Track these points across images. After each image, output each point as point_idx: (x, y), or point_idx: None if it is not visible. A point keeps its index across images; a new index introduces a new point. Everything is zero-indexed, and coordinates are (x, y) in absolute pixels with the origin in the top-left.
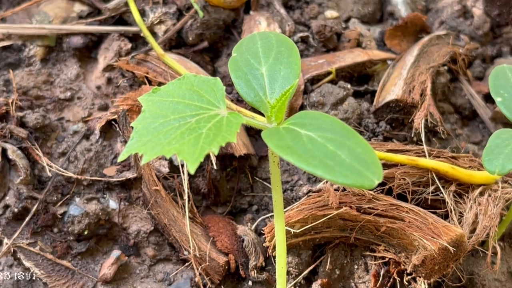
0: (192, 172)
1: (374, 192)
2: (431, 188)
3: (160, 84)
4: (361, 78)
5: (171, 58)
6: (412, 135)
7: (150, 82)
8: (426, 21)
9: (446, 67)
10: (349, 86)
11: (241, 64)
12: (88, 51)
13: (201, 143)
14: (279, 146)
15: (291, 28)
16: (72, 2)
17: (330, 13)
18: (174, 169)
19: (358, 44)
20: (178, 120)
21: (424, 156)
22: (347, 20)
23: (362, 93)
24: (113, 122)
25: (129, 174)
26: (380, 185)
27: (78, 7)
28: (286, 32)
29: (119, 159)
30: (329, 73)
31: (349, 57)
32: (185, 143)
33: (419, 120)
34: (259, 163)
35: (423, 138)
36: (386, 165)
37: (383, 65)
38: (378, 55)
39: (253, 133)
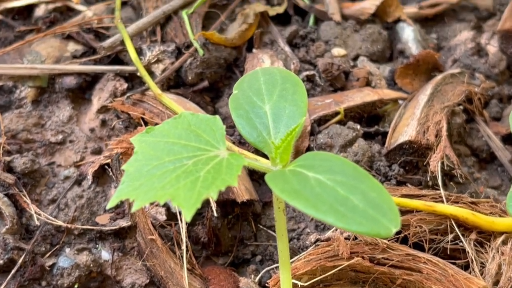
0: (188, 219)
1: (389, 241)
2: (450, 237)
3: (156, 125)
4: (371, 118)
5: (169, 98)
6: (428, 179)
7: (146, 124)
8: (438, 59)
9: (461, 107)
10: (358, 127)
11: (243, 102)
12: (81, 92)
13: (198, 188)
14: (284, 190)
15: (296, 67)
16: (65, 41)
17: (338, 51)
18: (172, 216)
19: (368, 83)
20: (173, 163)
21: (442, 201)
22: (355, 58)
23: (373, 135)
24: (106, 167)
25: (123, 222)
26: (394, 240)
27: (72, 47)
28: (291, 71)
29: (109, 206)
30: (337, 113)
31: (358, 97)
32: (181, 187)
33: (435, 163)
34: (263, 209)
35: (439, 182)
36: (400, 212)
37: (394, 105)
38: (388, 94)
39: (256, 177)
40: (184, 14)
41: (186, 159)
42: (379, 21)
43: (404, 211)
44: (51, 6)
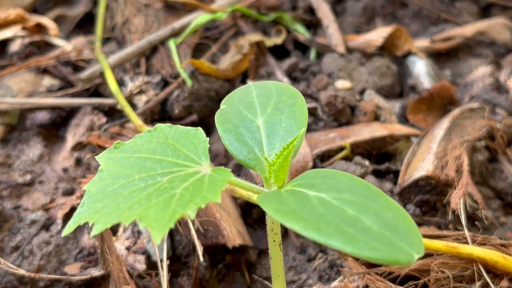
0: (158, 241)
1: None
2: (478, 284)
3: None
4: (381, 157)
5: None
6: (448, 219)
7: None
8: (454, 94)
9: (483, 143)
10: (367, 163)
11: (231, 116)
12: (55, 128)
13: (173, 206)
14: (279, 210)
15: None
16: (41, 76)
17: (342, 84)
18: (152, 265)
19: (376, 118)
20: (144, 180)
21: (466, 243)
22: (362, 92)
23: (383, 173)
24: None
25: (95, 271)
26: (412, 279)
27: (48, 81)
28: None
29: (64, 233)
30: (342, 148)
31: (366, 131)
32: (152, 206)
33: (456, 200)
34: (258, 258)
35: (463, 221)
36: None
37: (406, 142)
38: (400, 130)
39: (250, 221)
40: (171, 43)
41: (160, 175)
42: (387, 54)
43: (422, 256)
44: (27, 40)
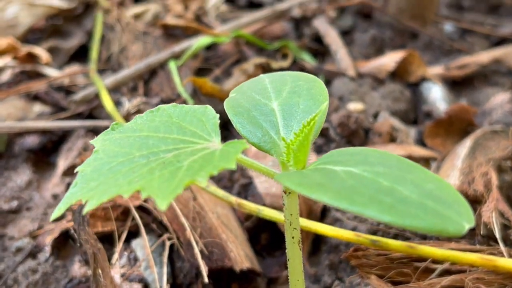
0: (163, 208)
1: None
2: None
3: None
4: None
5: None
6: (481, 232)
7: None
8: (474, 116)
9: (509, 164)
10: None
11: (242, 101)
12: (45, 154)
13: (180, 176)
14: (302, 184)
15: None
16: (31, 102)
17: (354, 106)
18: None
19: (392, 139)
20: (146, 157)
21: (503, 257)
22: (376, 115)
23: None
24: (70, 236)
25: None
26: None
27: (39, 108)
28: None
29: (52, 217)
30: None
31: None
32: (155, 178)
33: (488, 213)
34: (268, 287)
35: (497, 235)
36: (449, 272)
37: (425, 165)
38: (418, 151)
39: (259, 248)
40: (172, 63)
41: (164, 152)
42: (400, 81)
43: (454, 271)
44: (18, 70)
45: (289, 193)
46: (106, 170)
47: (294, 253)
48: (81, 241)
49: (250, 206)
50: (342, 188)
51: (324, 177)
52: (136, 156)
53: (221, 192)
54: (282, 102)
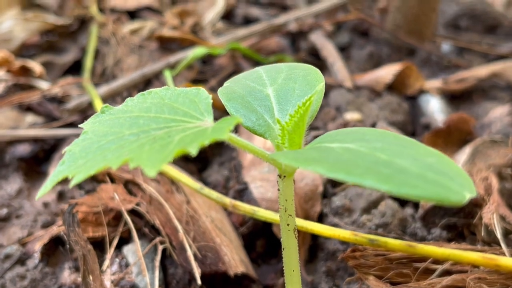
0: (152, 174)
1: None
2: None
3: (127, 182)
4: None
5: None
6: (482, 234)
7: (113, 181)
8: (473, 127)
9: (510, 171)
10: None
11: (237, 88)
12: (36, 163)
13: (170, 148)
14: (297, 159)
15: None
16: (24, 113)
17: (351, 115)
18: None
19: None
20: (136, 135)
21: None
22: (373, 125)
23: (402, 200)
24: (60, 242)
25: None
26: None
27: (31, 118)
28: None
29: (39, 195)
30: None
31: None
32: (145, 151)
33: (489, 215)
34: None
35: (499, 235)
36: (449, 272)
37: None
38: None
39: (254, 255)
40: (167, 72)
41: (155, 130)
42: (397, 94)
43: (455, 271)
44: (11, 83)
45: (284, 176)
46: (94, 148)
47: (289, 241)
48: (70, 242)
49: (245, 207)
50: (339, 161)
51: (320, 153)
52: (126, 135)
53: (215, 194)
54: (277, 88)
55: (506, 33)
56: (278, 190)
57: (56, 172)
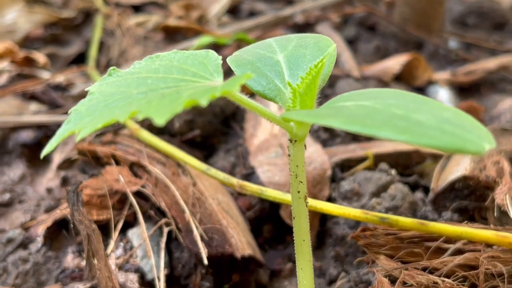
0: (161, 122)
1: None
2: None
3: (132, 164)
4: (407, 176)
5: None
6: (495, 214)
7: (118, 163)
8: (482, 116)
9: None
10: (393, 172)
11: (246, 56)
12: (40, 150)
13: (180, 101)
14: (310, 115)
15: None
16: (28, 101)
17: None
18: (146, 285)
19: None
20: (144, 93)
21: None
22: None
23: (412, 186)
24: (64, 228)
25: (80, 285)
26: (460, 280)
27: (35, 107)
28: None
29: (43, 153)
30: (363, 159)
31: (389, 145)
32: (154, 105)
33: (502, 195)
34: (270, 280)
35: (511, 215)
36: (462, 252)
37: (434, 163)
38: (426, 148)
39: (261, 241)
40: None
41: (163, 89)
42: (405, 85)
43: (467, 250)
44: (15, 73)
45: (295, 141)
46: (101, 107)
47: (300, 209)
48: (75, 222)
49: (252, 187)
50: (353, 115)
51: (334, 110)
52: (134, 94)
53: (222, 175)
54: (287, 54)
55: None
56: (289, 155)
57: (61, 130)
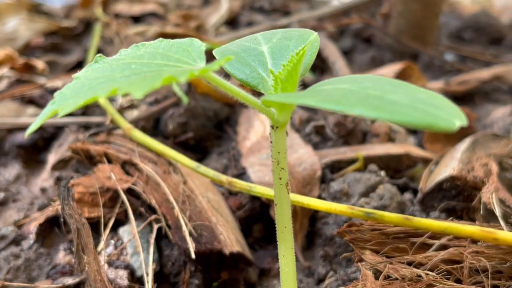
0: (139, 96)
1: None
2: None
3: (124, 163)
4: (397, 179)
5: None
6: (481, 213)
7: (110, 162)
8: (474, 123)
9: (511, 162)
10: (382, 173)
11: (232, 48)
12: (36, 151)
13: (160, 78)
14: (288, 96)
15: (301, 116)
16: (25, 105)
17: None
18: (136, 281)
19: (390, 140)
20: (127, 77)
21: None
22: (373, 121)
23: (401, 188)
24: (56, 225)
25: (69, 280)
26: (444, 274)
27: (33, 111)
28: (296, 120)
29: (28, 132)
30: (354, 161)
31: (380, 148)
32: (135, 81)
33: (488, 194)
34: (259, 279)
35: (497, 213)
36: (446, 247)
37: (424, 167)
38: (417, 152)
39: (251, 241)
40: None
41: (146, 73)
42: None
43: (452, 246)
44: (14, 79)
45: (277, 127)
46: (85, 89)
47: (282, 196)
48: (65, 216)
49: (241, 184)
50: (330, 95)
51: (312, 92)
52: (118, 77)
53: (211, 172)
54: (272, 46)
55: (510, 45)
56: (271, 142)
57: (46, 110)
